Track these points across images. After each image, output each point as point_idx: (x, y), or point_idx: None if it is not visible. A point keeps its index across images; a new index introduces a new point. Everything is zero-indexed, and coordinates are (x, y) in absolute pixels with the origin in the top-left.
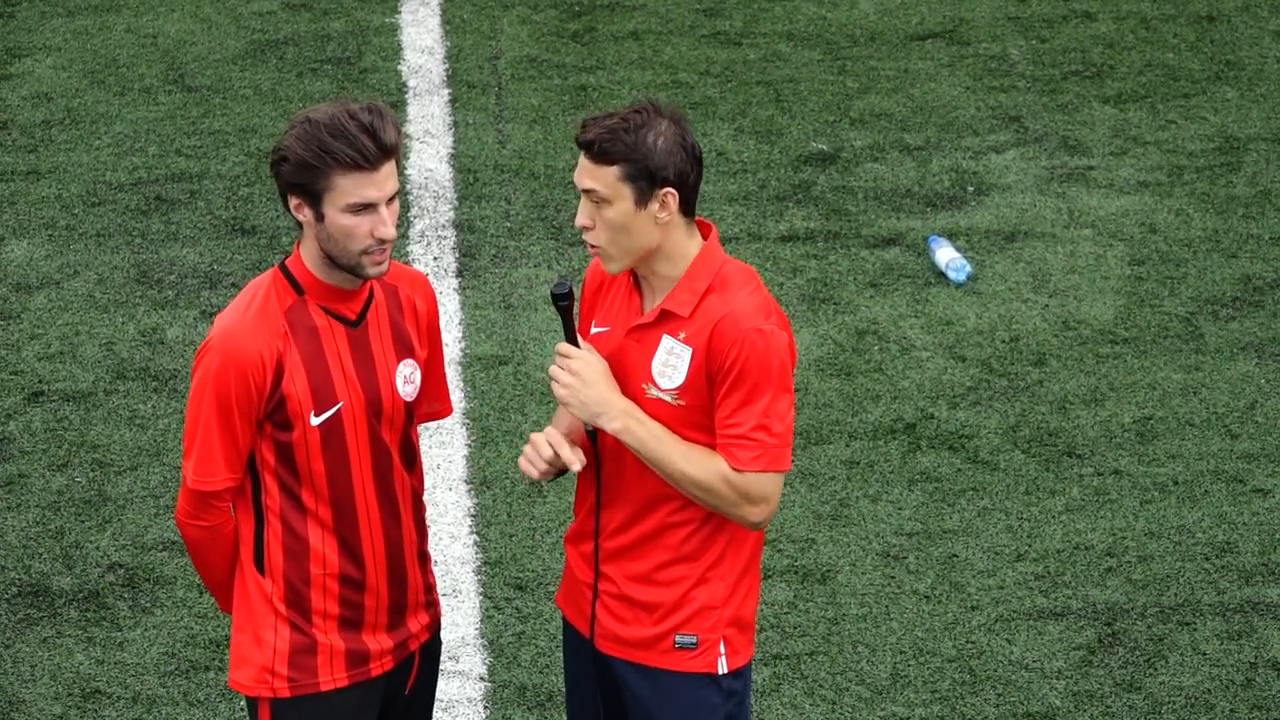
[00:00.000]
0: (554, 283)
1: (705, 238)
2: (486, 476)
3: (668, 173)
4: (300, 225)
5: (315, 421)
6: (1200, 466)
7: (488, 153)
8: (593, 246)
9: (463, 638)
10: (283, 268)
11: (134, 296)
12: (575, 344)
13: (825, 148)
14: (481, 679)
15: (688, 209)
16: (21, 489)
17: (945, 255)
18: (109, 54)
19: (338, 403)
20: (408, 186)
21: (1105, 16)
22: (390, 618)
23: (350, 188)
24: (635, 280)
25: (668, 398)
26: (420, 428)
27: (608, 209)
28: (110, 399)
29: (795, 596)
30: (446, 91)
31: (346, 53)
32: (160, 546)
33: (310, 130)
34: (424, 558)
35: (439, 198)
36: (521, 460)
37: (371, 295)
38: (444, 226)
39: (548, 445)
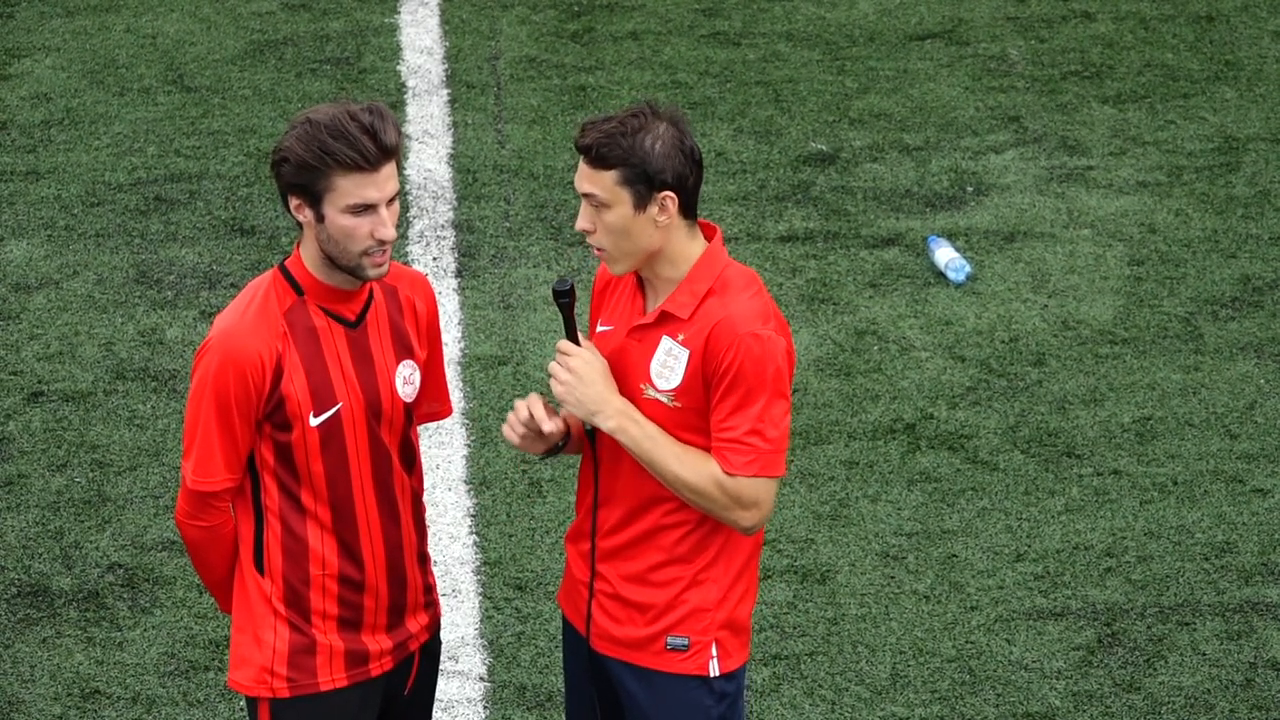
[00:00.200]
0: (556, 280)
1: (709, 240)
2: (486, 476)
3: (666, 176)
4: (300, 226)
5: (314, 422)
6: (1200, 466)
7: (487, 153)
8: (597, 249)
9: (462, 638)
10: (282, 268)
11: (133, 297)
12: (576, 342)
13: (824, 148)
14: (481, 679)
15: (688, 211)
16: (21, 489)
17: (944, 255)
18: (108, 54)
19: (337, 403)
20: (407, 187)
21: (1104, 16)
22: (390, 618)
23: (350, 189)
24: (639, 281)
25: (664, 399)
26: (420, 428)
27: (607, 213)
28: (110, 399)
29: (795, 596)
30: (446, 92)
31: (346, 53)
32: (160, 546)
33: (311, 131)
34: (423, 558)
35: (438, 198)
36: (504, 427)
37: (371, 296)
38: (443, 227)
39: (525, 408)
